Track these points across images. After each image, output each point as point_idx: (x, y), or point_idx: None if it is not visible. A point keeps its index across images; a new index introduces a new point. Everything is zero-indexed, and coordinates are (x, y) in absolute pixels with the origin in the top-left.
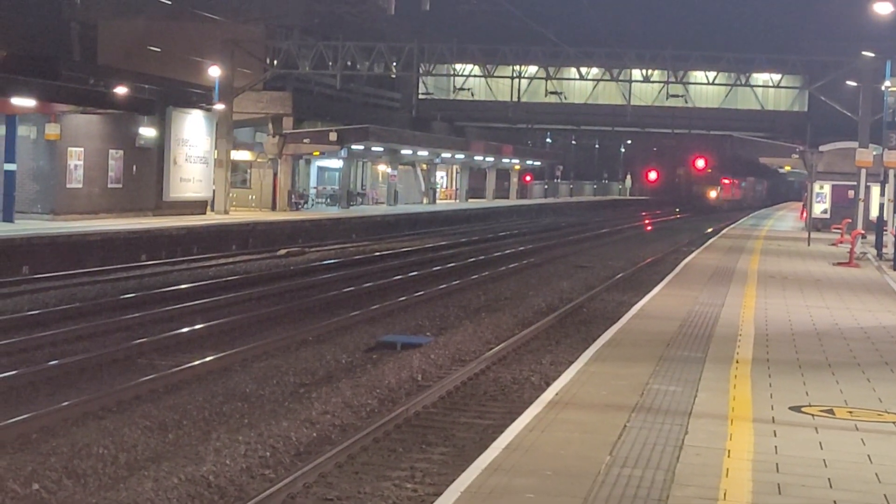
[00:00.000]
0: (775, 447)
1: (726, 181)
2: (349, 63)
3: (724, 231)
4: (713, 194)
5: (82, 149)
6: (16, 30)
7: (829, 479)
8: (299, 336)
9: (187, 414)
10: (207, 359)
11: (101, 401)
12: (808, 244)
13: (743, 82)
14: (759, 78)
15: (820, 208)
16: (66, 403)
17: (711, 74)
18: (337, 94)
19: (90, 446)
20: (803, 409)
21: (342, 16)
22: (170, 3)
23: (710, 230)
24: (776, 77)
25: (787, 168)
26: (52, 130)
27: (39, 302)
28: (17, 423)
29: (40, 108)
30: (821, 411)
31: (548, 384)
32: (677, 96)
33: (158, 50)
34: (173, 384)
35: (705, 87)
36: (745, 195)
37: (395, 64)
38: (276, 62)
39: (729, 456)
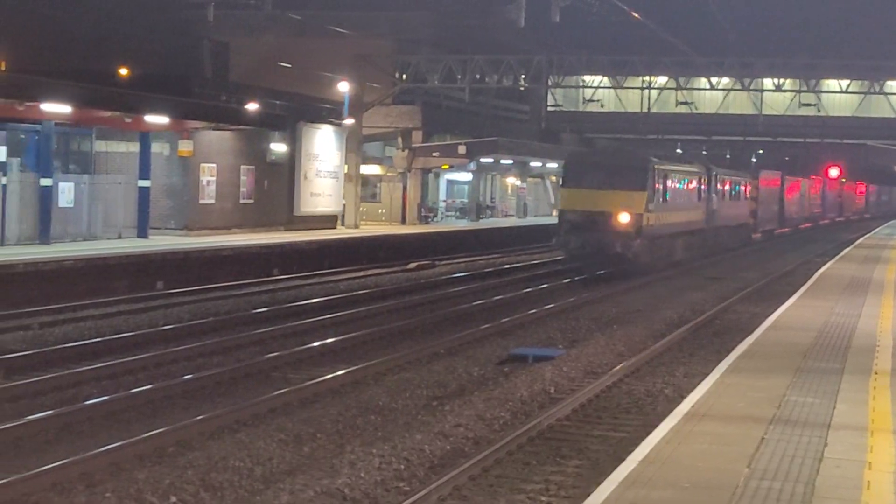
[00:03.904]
0: None
1: (658, 185)
2: (478, 76)
3: (858, 241)
4: (624, 218)
5: (214, 165)
6: (149, 49)
7: None
8: (431, 349)
9: (321, 427)
10: (340, 372)
11: (237, 414)
12: None
13: (877, 90)
14: (893, 85)
15: None
16: (201, 417)
17: (844, 82)
18: (466, 108)
19: (226, 459)
20: None
21: (471, 29)
22: (299, 18)
23: (845, 240)
24: None
25: None
26: (184, 147)
27: (174, 317)
28: (154, 436)
29: (173, 126)
30: None
31: (682, 396)
32: (809, 105)
33: (289, 66)
34: (307, 397)
35: (838, 96)
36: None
37: (523, 76)
38: (405, 76)
39: (870, 468)
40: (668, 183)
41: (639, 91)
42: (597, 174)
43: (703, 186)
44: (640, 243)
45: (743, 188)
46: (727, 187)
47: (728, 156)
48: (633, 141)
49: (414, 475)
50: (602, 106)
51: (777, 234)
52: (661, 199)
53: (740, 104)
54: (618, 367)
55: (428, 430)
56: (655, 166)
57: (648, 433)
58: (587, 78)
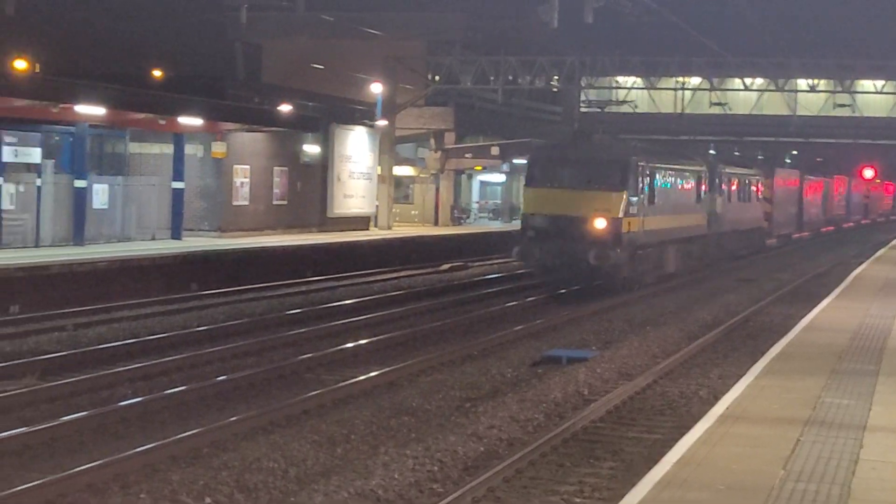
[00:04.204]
0: None
1: (643, 184)
2: (511, 77)
3: (892, 243)
4: (599, 224)
5: (248, 166)
6: (182, 51)
7: None
8: (464, 350)
9: (355, 428)
10: (373, 373)
11: (270, 415)
12: None
13: None
14: None
15: None
16: (235, 418)
17: (879, 83)
18: (498, 109)
19: (260, 460)
20: None
21: (504, 30)
22: (332, 20)
23: (879, 241)
24: None
25: None
26: (218, 148)
27: (208, 318)
28: (188, 437)
29: (207, 127)
30: None
31: (717, 398)
32: (844, 105)
33: (321, 67)
34: (340, 399)
35: (873, 96)
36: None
37: (556, 77)
38: (437, 78)
39: None
40: (657, 181)
41: (672, 92)
42: (567, 171)
43: (703, 186)
44: (618, 254)
45: (754, 188)
46: (734, 187)
47: (761, 157)
48: (669, 141)
49: (448, 477)
50: (636, 107)
51: (795, 238)
52: (646, 201)
53: (774, 105)
54: (652, 368)
55: (461, 431)
56: (639, 162)
57: (683, 435)
58: (620, 79)
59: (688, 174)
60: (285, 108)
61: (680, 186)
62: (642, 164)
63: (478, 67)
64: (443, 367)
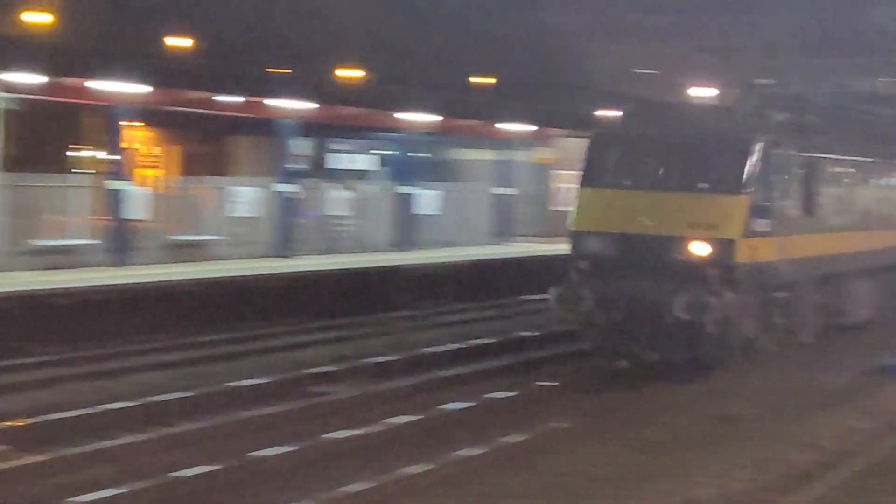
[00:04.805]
0: None
1: (786, 179)
2: (841, 80)
3: None
4: (698, 249)
5: (572, 172)
6: (506, 56)
7: None
8: (789, 358)
9: (677, 435)
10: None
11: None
12: None
13: None
14: None
15: None
16: (562, 424)
17: None
18: (827, 112)
19: (584, 466)
20: None
21: (835, 32)
22: (659, 23)
23: None
24: None
25: None
26: (543, 154)
27: (530, 323)
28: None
29: (532, 133)
30: None
31: None
32: None
33: (654, 72)
34: (662, 406)
35: None
36: None
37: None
38: (765, 81)
39: None
40: (817, 178)
41: None
42: (647, 161)
43: None
44: (727, 301)
45: None
46: None
47: None
48: None
49: (776, 486)
50: None
51: None
52: (796, 210)
53: None
54: None
55: (791, 440)
56: (775, 146)
57: None
58: None
59: (885, 167)
60: (609, 112)
61: (871, 187)
62: (781, 149)
63: (806, 70)
64: (767, 374)
